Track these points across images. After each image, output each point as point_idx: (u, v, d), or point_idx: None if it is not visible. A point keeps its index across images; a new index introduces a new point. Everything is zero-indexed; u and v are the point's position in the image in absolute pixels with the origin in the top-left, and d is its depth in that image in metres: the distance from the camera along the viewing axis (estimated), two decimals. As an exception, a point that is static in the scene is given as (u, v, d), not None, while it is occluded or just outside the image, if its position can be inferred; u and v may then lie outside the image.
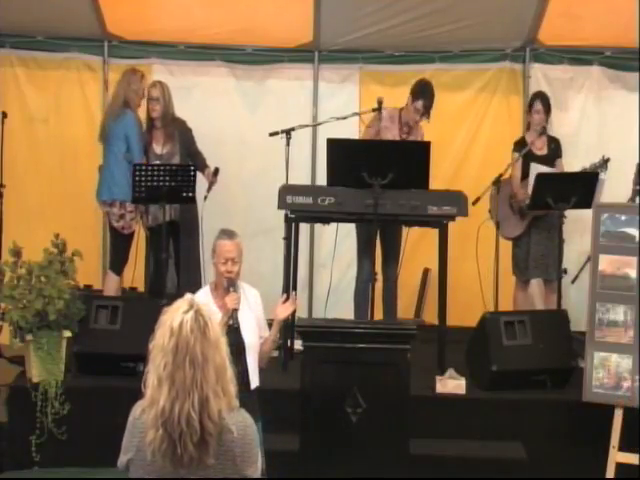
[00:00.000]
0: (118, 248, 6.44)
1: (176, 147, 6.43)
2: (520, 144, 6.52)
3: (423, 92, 6.22)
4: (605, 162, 6.12)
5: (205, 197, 6.34)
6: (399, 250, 6.35)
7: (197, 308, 2.65)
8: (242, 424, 2.66)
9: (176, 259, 6.54)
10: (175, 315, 2.64)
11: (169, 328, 2.63)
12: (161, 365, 2.60)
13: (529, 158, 6.44)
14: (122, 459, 2.74)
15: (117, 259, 6.46)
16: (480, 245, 6.38)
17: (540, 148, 6.53)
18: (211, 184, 6.40)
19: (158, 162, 6.29)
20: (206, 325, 2.63)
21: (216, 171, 6.40)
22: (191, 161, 6.37)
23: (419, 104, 6.18)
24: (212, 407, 2.58)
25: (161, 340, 2.63)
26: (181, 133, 6.46)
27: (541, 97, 6.56)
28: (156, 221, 6.34)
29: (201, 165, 6.46)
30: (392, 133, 6.30)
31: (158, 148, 6.44)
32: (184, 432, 2.56)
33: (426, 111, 6.20)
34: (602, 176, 6.12)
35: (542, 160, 6.45)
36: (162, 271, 6.16)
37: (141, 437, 2.65)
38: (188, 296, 2.75)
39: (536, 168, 6.31)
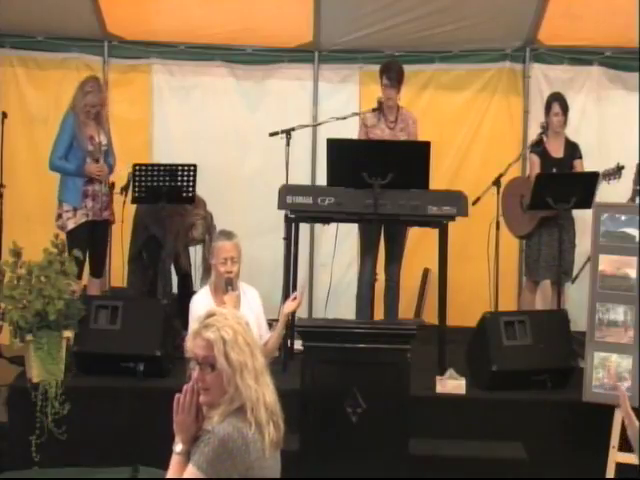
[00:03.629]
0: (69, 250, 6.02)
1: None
2: (536, 145, 6.52)
3: (385, 67, 6.32)
4: (619, 170, 6.11)
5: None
6: (402, 250, 6.36)
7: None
8: None
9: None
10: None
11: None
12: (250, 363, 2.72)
13: (545, 160, 6.43)
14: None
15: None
16: (480, 245, 6.38)
17: (556, 150, 6.51)
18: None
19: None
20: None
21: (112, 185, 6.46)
22: None
23: (385, 80, 6.25)
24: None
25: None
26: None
27: (559, 99, 6.51)
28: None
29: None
30: (380, 128, 6.32)
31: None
32: (278, 411, 2.74)
33: (392, 83, 6.24)
34: (615, 183, 6.12)
35: (558, 162, 6.43)
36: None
37: (255, 447, 2.66)
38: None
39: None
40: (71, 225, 6.24)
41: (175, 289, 6.58)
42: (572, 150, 6.50)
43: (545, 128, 6.54)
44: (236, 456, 2.61)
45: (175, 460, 2.74)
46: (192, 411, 2.74)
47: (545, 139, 6.52)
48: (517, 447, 5.17)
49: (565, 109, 6.50)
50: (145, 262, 6.46)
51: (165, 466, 2.79)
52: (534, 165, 6.50)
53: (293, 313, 5.11)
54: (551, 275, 6.42)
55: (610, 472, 4.97)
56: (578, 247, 6.58)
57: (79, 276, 6.13)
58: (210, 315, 2.75)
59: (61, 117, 6.40)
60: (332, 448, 4.52)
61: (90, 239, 6.32)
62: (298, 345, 5.43)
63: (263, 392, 2.69)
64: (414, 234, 6.48)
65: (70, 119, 6.26)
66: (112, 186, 6.44)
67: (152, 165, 6.18)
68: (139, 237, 6.47)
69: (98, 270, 6.49)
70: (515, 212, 6.50)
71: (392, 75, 6.25)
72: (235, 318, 2.75)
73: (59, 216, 6.29)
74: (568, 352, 5.56)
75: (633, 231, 5.12)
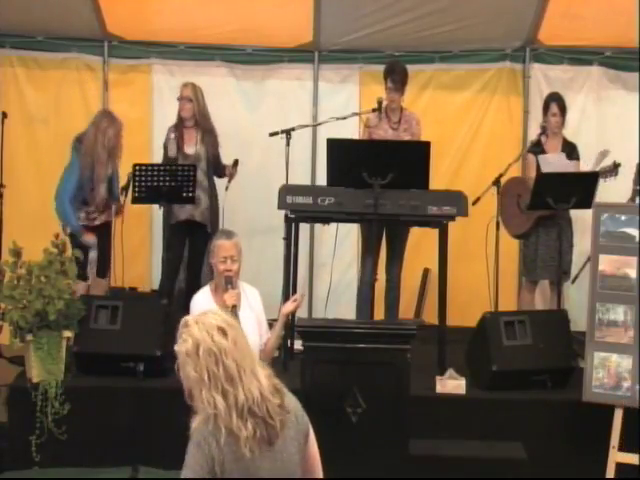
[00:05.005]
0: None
1: (204, 148, 6.48)
2: (535, 145, 6.52)
3: (390, 69, 6.33)
4: (616, 167, 6.11)
5: (227, 187, 6.44)
6: (403, 251, 6.37)
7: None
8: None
9: (189, 258, 6.58)
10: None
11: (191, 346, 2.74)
12: (199, 374, 2.70)
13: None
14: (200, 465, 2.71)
15: None
16: (481, 245, 6.38)
17: (554, 151, 6.49)
18: (231, 176, 6.50)
19: (185, 162, 6.34)
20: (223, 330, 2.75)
21: (235, 162, 6.51)
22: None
23: (389, 82, 6.26)
24: (265, 382, 2.74)
25: (182, 357, 2.77)
26: (210, 137, 6.52)
27: (557, 99, 6.52)
28: (175, 219, 6.37)
29: (220, 169, 6.58)
30: (383, 128, 6.33)
31: (189, 148, 6.49)
32: (268, 405, 2.70)
33: (396, 86, 6.26)
34: (612, 181, 6.12)
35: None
36: (171, 270, 6.26)
37: (227, 442, 2.67)
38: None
39: (545, 159, 6.32)
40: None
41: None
42: (570, 150, 6.50)
43: (545, 129, 6.54)
44: (206, 451, 2.68)
45: None
46: None
47: (545, 140, 6.52)
48: (517, 447, 5.16)
49: (563, 109, 6.50)
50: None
51: (165, 466, 2.79)
52: (531, 165, 6.51)
53: (293, 313, 5.12)
54: (548, 275, 6.43)
55: (610, 472, 4.97)
56: (578, 247, 6.59)
57: (84, 277, 6.16)
58: (182, 325, 2.79)
59: (62, 118, 6.40)
60: (332, 448, 4.52)
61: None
62: (298, 345, 5.43)
63: (235, 395, 2.66)
64: (414, 234, 6.48)
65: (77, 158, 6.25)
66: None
67: (152, 165, 6.18)
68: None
69: (102, 270, 6.49)
70: (512, 211, 6.50)
71: (396, 78, 6.26)
72: (205, 325, 2.74)
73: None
74: (568, 352, 5.56)
75: (633, 231, 5.11)
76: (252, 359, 2.78)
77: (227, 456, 2.66)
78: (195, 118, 6.48)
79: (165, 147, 6.49)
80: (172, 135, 6.45)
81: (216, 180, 6.60)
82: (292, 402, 2.86)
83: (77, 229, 6.24)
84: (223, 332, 2.73)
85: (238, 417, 2.65)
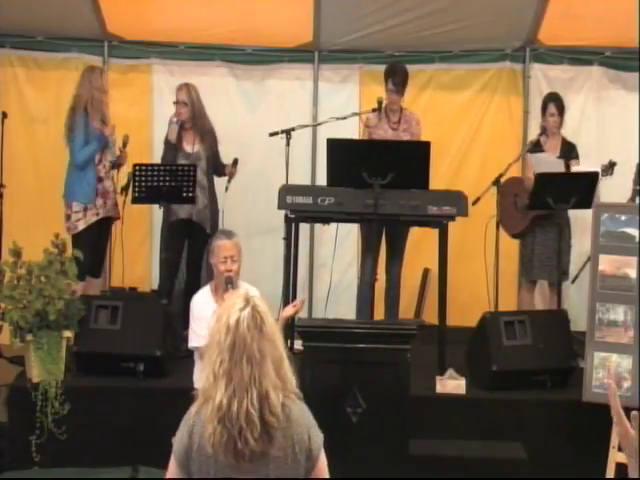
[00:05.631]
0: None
1: (204, 147, 6.48)
2: (535, 145, 6.52)
3: (391, 71, 6.34)
4: (612, 166, 6.12)
5: (226, 188, 6.43)
6: (403, 250, 6.37)
7: (253, 304, 2.63)
8: (303, 411, 2.71)
9: (188, 258, 6.57)
10: (232, 312, 2.62)
11: (225, 325, 2.60)
12: (217, 362, 2.59)
13: None
14: (175, 448, 2.72)
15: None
16: (481, 245, 6.38)
17: (553, 151, 6.50)
18: (231, 175, 6.48)
19: (185, 162, 6.35)
20: (263, 321, 2.62)
21: (235, 161, 6.49)
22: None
23: (390, 84, 6.27)
24: (273, 401, 2.58)
25: (217, 337, 2.61)
26: (209, 136, 6.51)
27: (555, 100, 6.53)
28: (175, 216, 6.36)
29: (220, 168, 6.57)
30: (383, 128, 6.33)
31: (188, 147, 6.48)
32: (244, 428, 2.54)
33: (397, 88, 6.26)
34: (608, 179, 6.12)
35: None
36: (171, 270, 6.25)
37: (200, 433, 2.62)
38: (244, 291, 2.73)
39: (538, 158, 6.32)
40: (82, 226, 6.27)
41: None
42: (569, 150, 6.50)
43: (544, 129, 6.55)
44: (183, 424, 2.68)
45: None
46: None
47: (544, 140, 6.52)
48: (517, 447, 5.16)
49: (561, 110, 6.51)
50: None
51: (165, 466, 2.78)
52: (530, 166, 6.51)
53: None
54: (546, 275, 6.44)
55: (610, 472, 4.97)
56: (578, 247, 6.59)
57: (82, 277, 6.15)
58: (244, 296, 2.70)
59: (62, 118, 6.41)
60: (332, 448, 4.52)
61: (96, 239, 6.35)
62: (298, 345, 5.43)
63: (216, 392, 2.58)
64: (414, 234, 6.48)
65: (80, 119, 6.28)
66: (117, 184, 6.46)
67: (152, 165, 6.18)
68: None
69: (98, 270, 6.49)
70: (508, 211, 6.51)
71: (397, 81, 6.26)
72: (221, 319, 2.65)
73: (68, 217, 6.31)
74: (568, 352, 5.56)
75: (633, 231, 5.11)
76: (277, 363, 2.64)
77: (194, 441, 2.63)
78: (192, 120, 6.47)
79: (167, 139, 6.48)
80: (175, 119, 6.43)
81: (216, 180, 6.59)
82: (299, 426, 2.69)
83: (100, 139, 6.27)
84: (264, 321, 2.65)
85: (213, 413, 2.57)
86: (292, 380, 2.69)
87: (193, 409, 2.68)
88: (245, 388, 2.56)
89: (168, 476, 2.73)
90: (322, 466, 2.76)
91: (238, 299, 2.66)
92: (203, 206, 6.41)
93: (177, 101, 6.47)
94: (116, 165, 6.47)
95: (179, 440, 2.68)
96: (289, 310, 4.68)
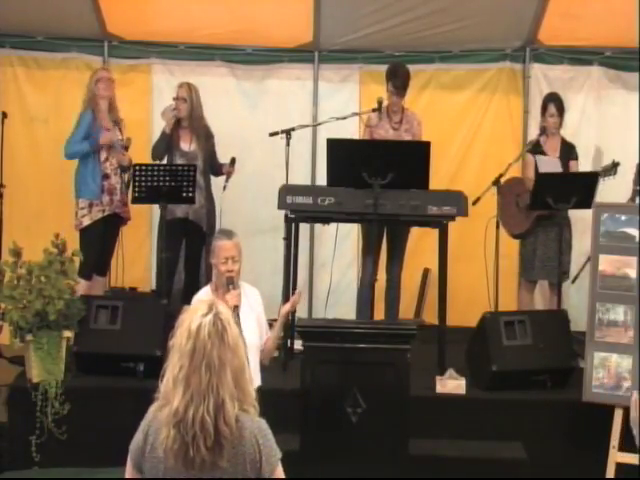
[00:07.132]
0: (81, 249, 5.88)
1: (200, 147, 6.48)
2: (534, 145, 6.52)
3: (392, 73, 6.32)
4: (614, 166, 6.12)
5: (224, 187, 6.45)
6: (404, 251, 6.37)
7: (216, 311, 2.61)
8: (258, 426, 2.62)
9: (186, 258, 6.57)
10: (194, 317, 2.60)
11: (187, 330, 2.59)
12: (177, 367, 2.58)
13: None
14: (131, 446, 2.74)
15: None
16: (481, 245, 6.38)
17: (552, 151, 6.50)
18: (229, 174, 6.49)
19: (182, 160, 6.37)
20: (224, 330, 2.59)
21: (233, 161, 6.50)
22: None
23: (391, 87, 6.27)
24: (228, 411, 2.54)
25: (179, 340, 2.60)
26: (205, 137, 6.52)
27: (555, 100, 6.53)
28: (172, 215, 6.36)
29: (217, 168, 6.57)
30: (384, 128, 6.33)
31: (185, 146, 6.49)
32: (197, 435, 2.53)
33: (398, 91, 6.26)
34: (611, 180, 6.13)
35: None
36: (169, 270, 6.24)
37: (155, 435, 2.63)
38: (206, 298, 2.71)
39: (541, 160, 6.32)
40: (87, 222, 6.27)
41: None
42: (568, 151, 6.50)
43: (544, 129, 6.55)
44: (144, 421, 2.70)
45: None
46: None
47: (544, 140, 6.53)
48: (517, 447, 5.17)
49: (561, 110, 6.51)
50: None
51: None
52: (529, 166, 6.51)
53: (293, 313, 5.12)
54: (546, 275, 6.44)
55: (610, 472, 4.97)
56: (578, 247, 6.59)
57: (89, 276, 6.15)
58: (209, 303, 2.67)
59: (62, 118, 6.42)
60: (332, 448, 4.52)
61: (103, 236, 6.34)
62: (298, 345, 5.44)
63: (174, 397, 2.56)
64: (414, 234, 6.48)
65: (87, 116, 6.29)
66: (127, 184, 6.42)
67: (152, 165, 6.18)
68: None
69: (104, 268, 6.48)
70: (511, 211, 6.51)
71: (398, 83, 6.25)
72: (183, 324, 2.63)
73: (75, 214, 6.32)
74: (568, 352, 5.56)
75: (633, 231, 5.12)
76: (237, 372, 2.61)
77: (148, 444, 2.65)
78: (189, 119, 6.47)
79: (164, 131, 6.47)
80: (173, 111, 6.44)
81: (213, 180, 6.59)
82: (251, 442, 2.60)
83: (95, 144, 6.24)
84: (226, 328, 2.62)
85: (169, 417, 2.57)
86: (252, 392, 2.66)
87: (152, 409, 2.68)
88: (202, 395, 2.54)
89: (127, 475, 2.75)
90: None
91: (202, 305, 2.64)
92: (200, 205, 6.41)
93: (177, 97, 6.48)
94: (126, 169, 6.43)
95: (135, 438, 2.71)
96: (287, 306, 4.67)
